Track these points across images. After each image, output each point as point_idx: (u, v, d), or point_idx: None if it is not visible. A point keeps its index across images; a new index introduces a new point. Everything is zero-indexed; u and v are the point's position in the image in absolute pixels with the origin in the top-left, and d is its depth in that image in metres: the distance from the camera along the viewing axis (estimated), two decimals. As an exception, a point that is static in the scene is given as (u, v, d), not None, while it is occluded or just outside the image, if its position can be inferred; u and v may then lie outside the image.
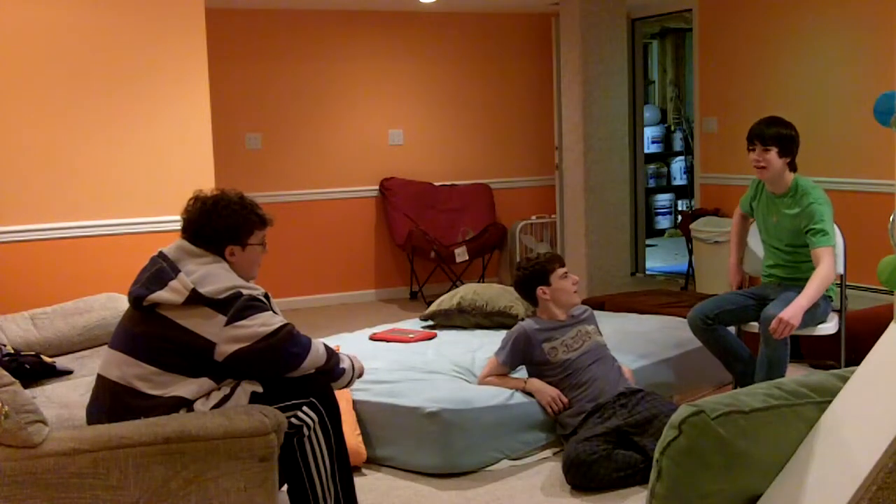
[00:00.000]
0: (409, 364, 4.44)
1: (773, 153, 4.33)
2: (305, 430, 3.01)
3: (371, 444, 4.05)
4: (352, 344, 4.84)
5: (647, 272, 8.41)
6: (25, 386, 3.16)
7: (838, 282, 4.50)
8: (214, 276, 2.97)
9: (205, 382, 2.93)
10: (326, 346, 3.14)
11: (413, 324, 5.38)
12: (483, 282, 7.67)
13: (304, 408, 3.01)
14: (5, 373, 2.64)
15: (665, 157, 10.94)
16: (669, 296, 6.37)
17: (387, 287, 7.94)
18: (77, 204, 5.21)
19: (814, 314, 4.26)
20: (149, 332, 2.96)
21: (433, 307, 5.34)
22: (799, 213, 4.32)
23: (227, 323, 2.90)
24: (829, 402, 2.21)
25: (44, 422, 2.60)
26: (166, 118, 5.37)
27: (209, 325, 2.90)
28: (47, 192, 5.14)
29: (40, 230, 5.14)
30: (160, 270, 2.99)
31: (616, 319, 5.28)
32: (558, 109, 7.71)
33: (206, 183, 5.48)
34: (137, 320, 3.00)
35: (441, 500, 3.71)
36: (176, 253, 3.04)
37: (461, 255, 7.49)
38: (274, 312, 3.04)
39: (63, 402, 3.50)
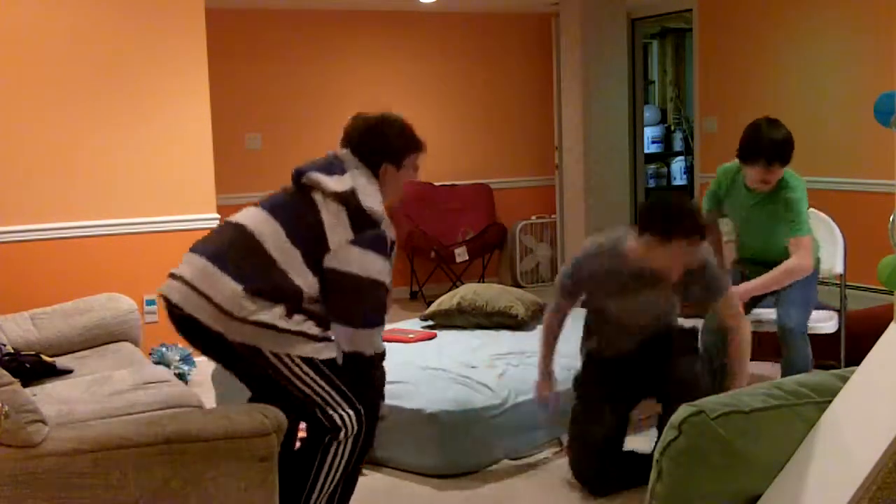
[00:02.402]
0: (410, 364, 4.44)
1: (777, 167, 4.14)
2: (342, 434, 2.97)
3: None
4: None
5: (647, 272, 8.40)
6: (25, 385, 3.16)
7: (838, 281, 4.49)
8: (375, 199, 3.01)
9: (314, 283, 2.93)
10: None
11: (413, 324, 5.37)
12: (483, 282, 7.66)
13: (353, 414, 2.98)
14: (5, 372, 2.64)
15: (665, 157, 10.93)
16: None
17: (387, 287, 7.93)
18: (77, 204, 5.22)
19: (807, 296, 4.22)
20: (298, 208, 2.99)
21: (433, 307, 5.34)
22: (778, 204, 4.20)
23: (351, 241, 2.91)
24: (829, 402, 2.21)
25: (43, 421, 2.60)
26: (166, 118, 5.37)
27: (337, 233, 2.92)
28: (47, 192, 5.15)
29: (40, 230, 5.14)
30: (331, 164, 3.06)
31: (616, 319, 5.27)
32: (558, 109, 7.70)
33: (206, 183, 5.50)
34: (292, 193, 3.05)
35: (441, 501, 3.71)
36: (347, 158, 3.09)
37: (461, 255, 7.49)
38: (390, 263, 3.02)
39: (63, 398, 3.50)
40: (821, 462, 2.09)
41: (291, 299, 2.91)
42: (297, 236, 2.94)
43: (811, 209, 4.60)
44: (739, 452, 2.10)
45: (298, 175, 3.04)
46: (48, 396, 3.50)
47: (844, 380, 2.26)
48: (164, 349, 5.24)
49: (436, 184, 7.88)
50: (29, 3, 5.07)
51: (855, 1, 6.33)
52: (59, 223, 5.18)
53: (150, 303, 5.39)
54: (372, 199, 3.00)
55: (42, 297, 4.70)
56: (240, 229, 3.00)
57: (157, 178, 5.38)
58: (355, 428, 2.99)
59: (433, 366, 4.42)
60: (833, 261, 4.53)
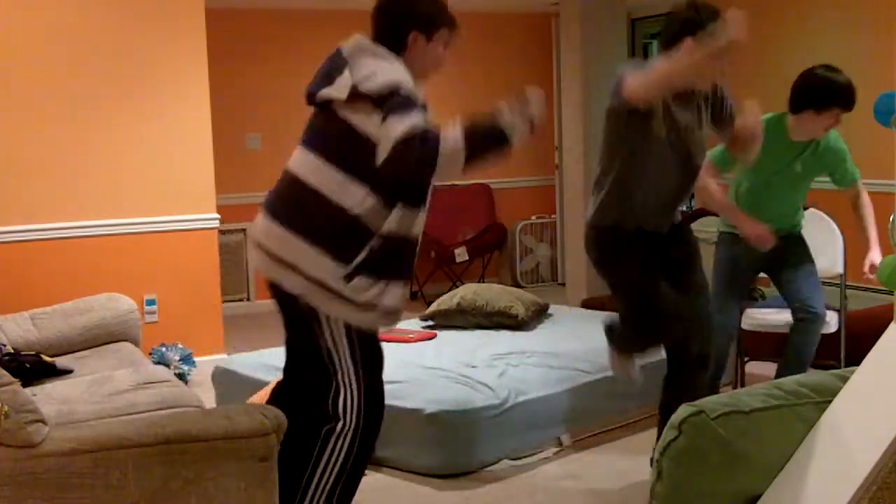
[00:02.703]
0: (409, 364, 4.44)
1: (845, 112, 4.06)
2: (340, 425, 2.95)
3: (371, 444, 4.04)
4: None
5: (647, 272, 8.39)
6: (25, 385, 3.16)
7: (838, 281, 4.49)
8: (382, 72, 2.86)
9: (365, 195, 2.85)
10: (462, 134, 2.98)
11: (413, 324, 5.37)
12: (483, 282, 7.66)
13: (356, 397, 2.96)
14: (5, 372, 2.64)
15: (665, 157, 10.92)
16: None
17: (387, 287, 7.92)
18: (77, 204, 5.22)
19: (817, 276, 4.21)
20: (324, 127, 2.94)
21: (433, 307, 5.34)
22: (817, 157, 4.18)
23: (383, 120, 2.80)
24: (829, 402, 2.21)
25: (43, 421, 2.60)
26: (166, 118, 5.37)
27: (370, 123, 2.83)
28: (47, 192, 5.15)
29: (40, 230, 5.14)
30: (332, 66, 2.95)
31: (616, 319, 5.27)
32: (558, 109, 7.70)
33: (206, 183, 5.50)
34: (316, 116, 3.00)
35: (441, 501, 3.71)
36: (352, 48, 2.96)
37: (461, 255, 7.50)
38: (426, 116, 2.91)
39: (63, 398, 3.50)
40: (821, 462, 2.09)
41: (340, 222, 2.86)
42: (332, 155, 2.88)
43: (811, 209, 4.61)
44: (739, 452, 2.10)
45: (311, 97, 2.97)
46: (48, 396, 3.50)
47: (844, 380, 2.26)
48: (164, 349, 5.24)
49: (435, 184, 7.87)
50: (29, 3, 5.08)
51: (855, 1, 6.32)
52: (59, 223, 5.18)
53: (150, 303, 5.39)
54: (374, 79, 2.83)
55: (42, 297, 4.70)
56: (283, 175, 3.01)
57: (157, 178, 5.38)
58: (353, 422, 2.97)
59: (433, 366, 4.42)
60: (833, 261, 4.53)
